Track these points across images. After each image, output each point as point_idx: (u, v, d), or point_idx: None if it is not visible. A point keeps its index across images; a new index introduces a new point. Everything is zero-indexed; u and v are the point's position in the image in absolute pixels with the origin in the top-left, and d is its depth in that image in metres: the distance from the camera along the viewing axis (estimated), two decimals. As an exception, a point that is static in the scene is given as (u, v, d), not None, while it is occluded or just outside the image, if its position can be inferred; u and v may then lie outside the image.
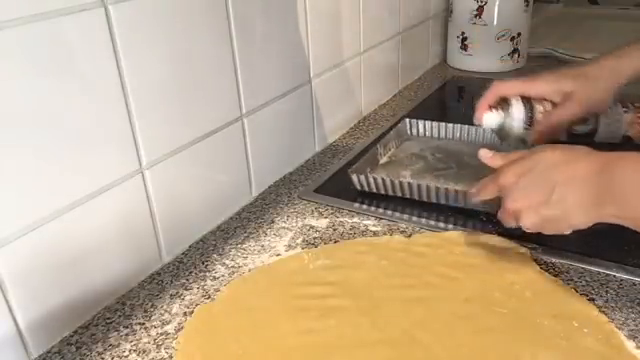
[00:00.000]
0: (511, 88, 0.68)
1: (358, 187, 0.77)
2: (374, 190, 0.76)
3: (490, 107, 0.68)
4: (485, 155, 0.59)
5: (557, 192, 0.49)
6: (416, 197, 0.74)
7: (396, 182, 0.74)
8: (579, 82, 0.66)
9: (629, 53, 0.67)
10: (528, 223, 0.53)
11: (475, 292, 0.57)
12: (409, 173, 0.80)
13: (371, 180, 0.76)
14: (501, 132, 0.68)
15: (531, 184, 0.51)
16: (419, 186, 0.73)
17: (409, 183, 0.73)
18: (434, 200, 0.73)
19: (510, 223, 0.56)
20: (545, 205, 0.50)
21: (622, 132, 0.70)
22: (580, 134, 0.71)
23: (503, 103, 0.67)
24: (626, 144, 0.74)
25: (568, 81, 0.66)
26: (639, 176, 0.44)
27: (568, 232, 0.53)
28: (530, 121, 0.66)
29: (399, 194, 0.75)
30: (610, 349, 0.50)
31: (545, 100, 0.67)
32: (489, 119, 0.67)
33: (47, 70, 0.49)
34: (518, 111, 0.66)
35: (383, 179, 0.75)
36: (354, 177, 0.77)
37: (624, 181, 0.44)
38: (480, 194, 0.59)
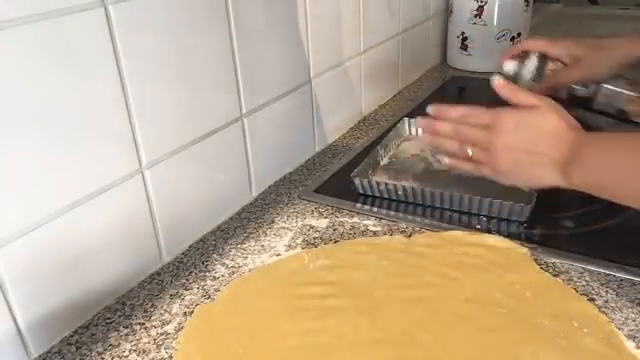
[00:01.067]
0: (535, 45, 0.78)
1: (361, 191, 0.78)
2: (377, 194, 0.77)
3: (513, 56, 0.78)
4: (498, 84, 0.64)
5: (540, 147, 0.58)
6: (420, 202, 0.74)
7: (399, 187, 0.75)
8: (590, 50, 0.75)
9: (638, 39, 0.74)
10: (501, 160, 0.60)
11: (475, 292, 0.57)
12: (410, 175, 0.80)
13: (374, 184, 0.76)
14: (513, 79, 0.77)
15: (523, 134, 0.59)
16: (422, 191, 0.73)
17: (413, 188, 0.74)
18: (438, 205, 0.73)
19: (482, 158, 0.63)
20: (525, 152, 0.59)
21: (619, 106, 0.76)
22: (579, 96, 0.79)
23: (524, 55, 0.77)
24: (620, 117, 0.79)
25: (581, 48, 0.75)
26: (599, 155, 0.55)
27: (521, 184, 0.67)
28: (539, 75, 0.75)
29: (402, 199, 0.75)
30: (610, 349, 0.50)
31: (559, 61, 0.76)
32: (507, 65, 0.77)
33: (47, 70, 0.49)
34: (531, 64, 0.76)
35: (386, 184, 0.75)
36: (357, 181, 0.77)
37: (592, 157, 0.55)
38: (465, 117, 0.64)
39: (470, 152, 0.63)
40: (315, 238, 0.69)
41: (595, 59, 0.74)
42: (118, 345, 0.54)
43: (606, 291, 0.57)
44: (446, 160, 0.67)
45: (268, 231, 0.71)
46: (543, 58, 0.76)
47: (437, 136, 0.66)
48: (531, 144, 0.58)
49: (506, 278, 0.59)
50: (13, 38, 0.46)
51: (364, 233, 0.70)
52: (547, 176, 0.58)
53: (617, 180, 0.53)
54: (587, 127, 0.58)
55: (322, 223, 0.72)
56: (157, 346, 0.54)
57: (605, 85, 0.76)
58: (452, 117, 0.65)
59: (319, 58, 0.89)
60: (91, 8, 0.52)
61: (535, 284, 0.58)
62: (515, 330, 0.52)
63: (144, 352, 0.53)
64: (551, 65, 0.76)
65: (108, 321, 0.58)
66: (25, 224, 0.50)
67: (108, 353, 0.53)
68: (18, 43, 0.47)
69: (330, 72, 0.93)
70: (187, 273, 0.64)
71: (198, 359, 0.51)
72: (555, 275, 0.60)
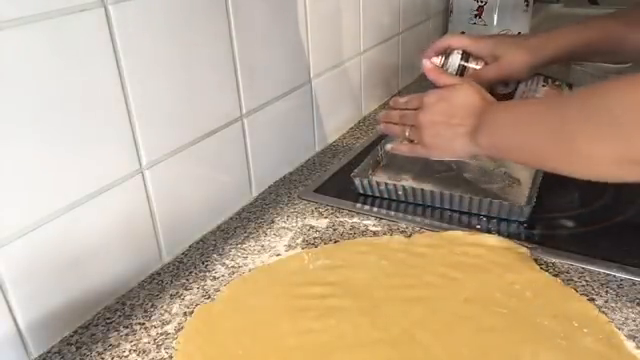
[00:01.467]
0: (458, 42, 0.78)
1: (361, 191, 0.78)
2: (377, 194, 0.77)
3: (436, 54, 0.78)
4: (426, 67, 0.73)
5: (456, 119, 0.65)
6: (420, 202, 0.74)
7: (399, 187, 0.75)
8: (508, 50, 0.76)
9: (555, 37, 0.76)
10: (426, 134, 0.67)
11: (475, 292, 0.57)
12: (410, 175, 0.80)
13: (374, 185, 0.76)
14: None
15: (443, 107, 0.66)
16: (422, 191, 0.73)
17: (413, 188, 0.74)
18: (438, 205, 0.73)
19: (414, 137, 0.70)
20: (445, 124, 0.66)
21: None
22: (500, 94, 0.79)
23: (449, 52, 0.77)
24: None
25: (500, 48, 0.76)
26: (500, 118, 0.61)
27: (447, 158, 0.72)
28: (461, 73, 0.76)
29: (402, 199, 0.75)
30: (610, 349, 0.50)
31: (481, 59, 0.76)
32: (432, 61, 0.77)
33: (47, 70, 0.49)
34: (453, 62, 0.76)
35: (386, 184, 0.75)
36: (357, 181, 0.77)
37: (494, 121, 0.61)
38: (407, 103, 0.72)
39: (407, 133, 0.71)
40: (315, 238, 0.69)
41: (513, 59, 0.75)
42: (118, 345, 0.54)
43: (606, 291, 0.57)
44: (387, 146, 0.75)
45: (268, 231, 0.71)
46: (465, 55, 0.76)
47: (388, 124, 0.74)
48: (449, 116, 0.65)
49: (506, 278, 0.59)
50: (13, 38, 0.46)
51: (364, 233, 0.70)
52: (465, 145, 0.64)
53: (514, 140, 0.59)
54: None
55: (322, 223, 0.72)
56: (157, 346, 0.54)
57: (522, 84, 0.76)
58: (401, 104, 0.73)
59: (319, 58, 0.89)
60: (91, 8, 0.52)
61: (535, 284, 0.58)
62: (515, 330, 0.52)
63: (144, 352, 0.53)
64: (473, 64, 0.76)
65: (108, 321, 0.58)
66: (25, 224, 0.50)
67: (108, 353, 0.53)
68: (18, 43, 0.47)
69: (330, 72, 0.93)
70: (187, 273, 0.64)
71: (198, 359, 0.51)
72: (555, 275, 0.60)
